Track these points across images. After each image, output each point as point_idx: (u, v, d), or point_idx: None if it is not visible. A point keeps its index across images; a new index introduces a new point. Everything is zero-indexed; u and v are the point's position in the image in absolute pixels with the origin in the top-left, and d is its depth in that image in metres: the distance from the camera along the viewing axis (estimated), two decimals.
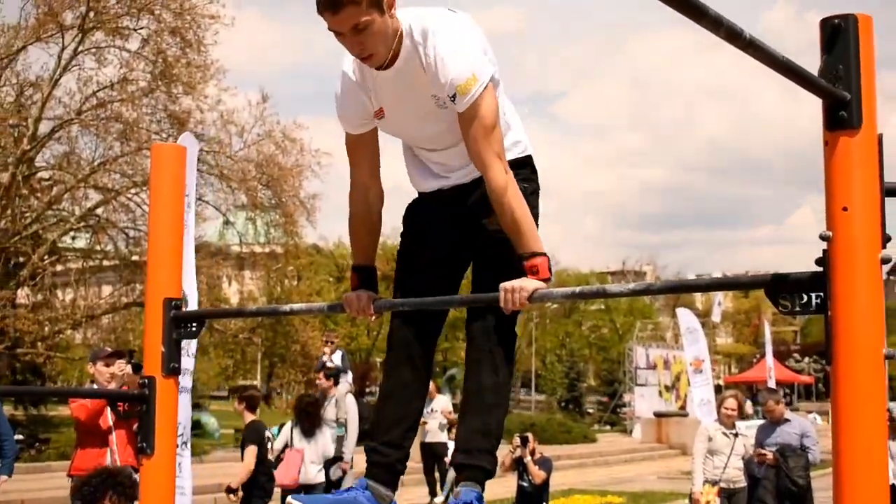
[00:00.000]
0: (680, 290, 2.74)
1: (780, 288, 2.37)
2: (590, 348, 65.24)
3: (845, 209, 2.21)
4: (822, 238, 2.24)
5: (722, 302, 49.00)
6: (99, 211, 25.95)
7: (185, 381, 6.58)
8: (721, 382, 46.98)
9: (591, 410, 51.11)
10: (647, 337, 43.74)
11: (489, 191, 3.08)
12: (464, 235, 3.39)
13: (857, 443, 2.14)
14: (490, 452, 3.31)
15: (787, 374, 47.78)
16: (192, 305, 6.54)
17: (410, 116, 3.28)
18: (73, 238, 27.67)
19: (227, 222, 27.55)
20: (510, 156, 3.24)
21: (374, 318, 3.38)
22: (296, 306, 3.81)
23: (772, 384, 33.71)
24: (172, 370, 3.32)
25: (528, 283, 2.97)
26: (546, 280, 3.03)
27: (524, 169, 3.38)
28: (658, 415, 33.28)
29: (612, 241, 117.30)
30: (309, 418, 10.94)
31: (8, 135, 23.81)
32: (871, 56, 2.29)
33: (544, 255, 3.09)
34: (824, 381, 53.25)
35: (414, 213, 3.58)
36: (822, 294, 2.26)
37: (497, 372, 3.31)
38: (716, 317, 47.40)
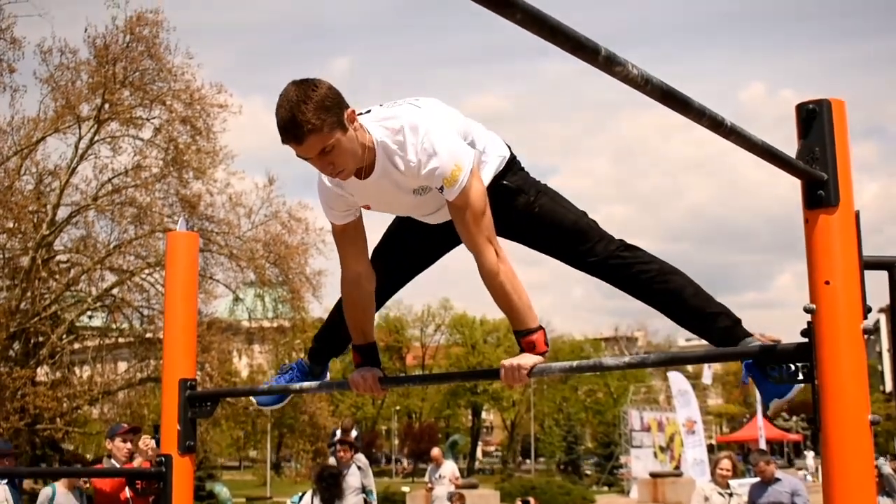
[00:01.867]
0: (673, 362, 2.94)
1: (769, 359, 2.44)
2: (586, 412, 65.82)
3: (827, 283, 2.24)
4: (807, 311, 2.27)
5: (712, 365, 49.78)
6: (114, 291, 26.80)
7: None
8: (713, 442, 47.69)
9: (588, 472, 51.63)
10: (640, 400, 44.53)
11: (482, 275, 3.07)
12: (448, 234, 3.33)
13: (849, 503, 2.19)
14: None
15: (776, 432, 48.52)
16: None
17: (397, 206, 3.31)
18: (90, 317, 28.48)
19: (236, 299, 28.48)
20: (496, 167, 3.31)
21: (381, 395, 3.40)
22: (305, 385, 3.71)
23: (762, 443, 34.67)
24: (188, 448, 3.39)
25: (527, 360, 3.00)
26: (543, 353, 3.05)
27: (513, 174, 3.38)
28: (654, 475, 33.83)
29: (601, 308, 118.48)
30: (329, 489, 10.91)
31: (28, 221, 24.80)
32: (844, 138, 2.34)
33: (540, 328, 3.10)
34: (812, 438, 54.04)
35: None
36: (808, 364, 2.30)
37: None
38: (706, 379, 48.03)
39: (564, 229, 3.27)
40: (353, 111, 2.96)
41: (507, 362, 3.05)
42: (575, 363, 3.04)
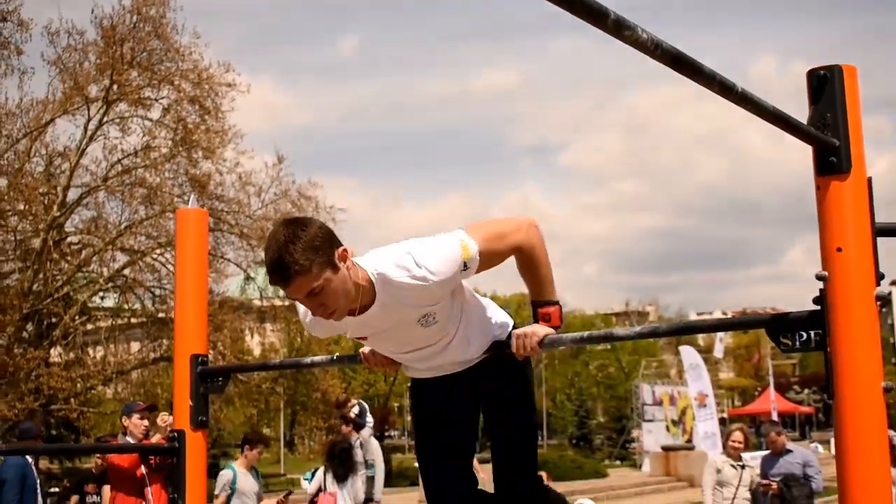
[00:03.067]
0: (684, 331, 2.84)
1: (781, 326, 2.42)
2: (597, 387, 65.82)
3: (839, 250, 2.24)
4: (819, 278, 2.28)
5: (723, 338, 49.75)
6: (126, 271, 26.95)
7: None
8: (725, 415, 47.76)
9: (600, 447, 51.79)
10: (652, 374, 44.57)
11: (518, 256, 3.07)
12: (471, 391, 3.34)
13: (861, 472, 2.19)
14: None
15: (787, 405, 48.58)
16: None
17: (397, 339, 3.20)
18: (102, 298, 28.61)
19: (248, 278, 28.55)
20: (502, 335, 3.29)
21: (393, 371, 3.40)
22: (317, 359, 3.74)
23: (774, 416, 34.72)
24: (200, 423, 3.42)
25: (539, 329, 3.04)
26: (556, 327, 3.09)
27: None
28: (666, 449, 33.99)
29: (612, 283, 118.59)
30: (343, 464, 10.95)
31: (39, 203, 24.89)
32: (856, 104, 2.33)
33: (557, 304, 3.16)
34: (824, 411, 54.11)
35: (418, 390, 3.52)
36: (820, 331, 2.30)
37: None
38: (718, 353, 48.10)
39: (512, 424, 3.30)
40: (345, 250, 2.89)
41: (519, 331, 3.08)
42: (586, 334, 3.13)
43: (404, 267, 2.90)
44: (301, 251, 2.77)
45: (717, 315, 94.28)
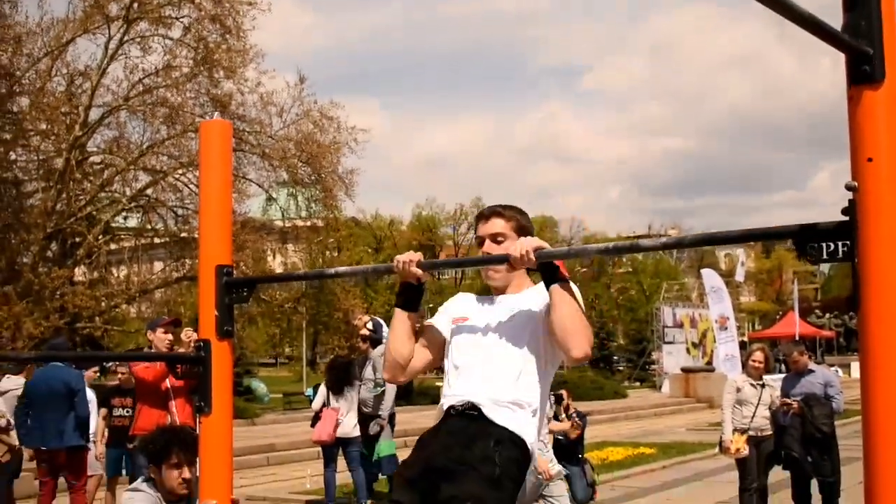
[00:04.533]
0: (712, 242, 2.85)
1: (808, 237, 2.41)
2: (618, 309, 66.05)
3: (870, 160, 2.21)
4: (849, 188, 2.25)
5: (745, 262, 49.73)
6: (149, 192, 27.10)
7: None
8: (745, 339, 47.85)
9: (621, 368, 52.14)
10: (673, 297, 44.65)
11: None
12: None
13: (887, 384, 2.17)
14: None
15: (809, 329, 48.61)
16: None
17: (488, 326, 3.40)
18: (126, 218, 28.84)
19: (269, 199, 28.63)
20: (520, 446, 3.21)
21: (419, 274, 3.34)
22: (341, 269, 3.75)
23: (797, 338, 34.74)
24: (226, 333, 3.40)
25: (538, 241, 3.13)
26: (563, 278, 3.16)
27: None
28: (685, 370, 34.21)
29: (635, 207, 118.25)
30: (338, 378, 11.27)
31: (61, 122, 24.92)
32: (892, 11, 2.26)
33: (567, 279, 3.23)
34: (845, 335, 54.07)
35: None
36: (848, 242, 2.27)
37: None
38: (739, 277, 48.13)
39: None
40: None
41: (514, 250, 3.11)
42: (612, 245, 3.01)
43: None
44: (512, 208, 3.49)
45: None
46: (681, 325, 38.60)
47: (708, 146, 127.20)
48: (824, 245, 2.39)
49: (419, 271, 3.30)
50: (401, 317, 3.46)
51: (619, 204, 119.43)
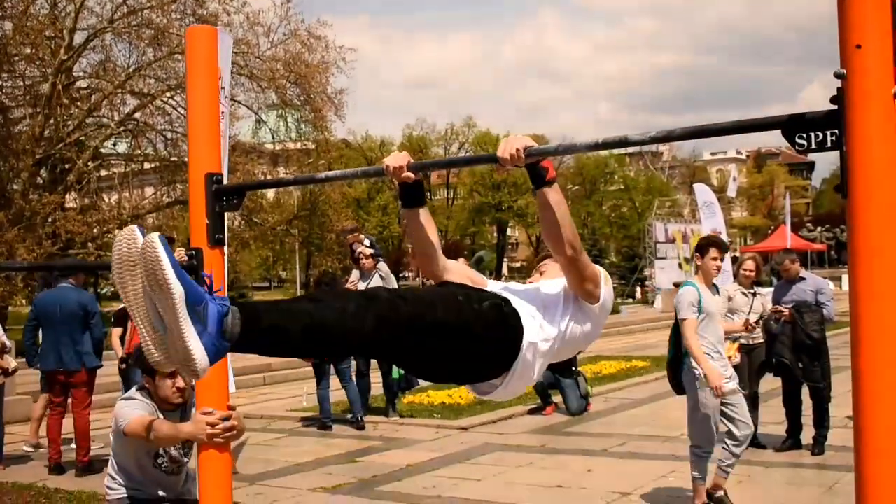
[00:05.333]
0: (702, 134, 2.74)
1: (797, 127, 2.38)
2: (611, 227, 66.27)
3: (858, 47, 2.17)
4: (837, 76, 2.22)
5: (737, 177, 49.69)
6: (137, 115, 26.82)
7: None
8: (737, 253, 48.01)
9: (614, 285, 52.46)
10: (665, 214, 44.72)
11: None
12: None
13: (874, 272, 2.15)
14: None
15: (801, 242, 48.78)
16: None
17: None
18: (115, 144, 28.63)
19: (259, 121, 28.45)
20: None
21: (411, 177, 3.22)
22: (331, 173, 3.66)
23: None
24: (217, 241, 3.42)
25: (527, 139, 2.97)
26: (551, 178, 3.02)
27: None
28: (678, 285, 34.38)
29: (626, 123, 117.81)
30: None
31: (45, 47, 24.54)
32: None
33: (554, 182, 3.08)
34: (836, 248, 54.34)
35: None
36: (837, 131, 2.25)
37: None
38: (731, 192, 48.10)
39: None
40: None
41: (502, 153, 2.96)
42: (601, 139, 2.91)
43: None
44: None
45: (732, 154, 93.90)
46: (673, 241, 38.72)
47: (699, 61, 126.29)
48: (813, 135, 2.36)
49: (412, 175, 3.23)
50: (411, 215, 3.35)
51: (609, 120, 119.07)
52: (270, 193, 31.64)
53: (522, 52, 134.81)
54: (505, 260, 74.36)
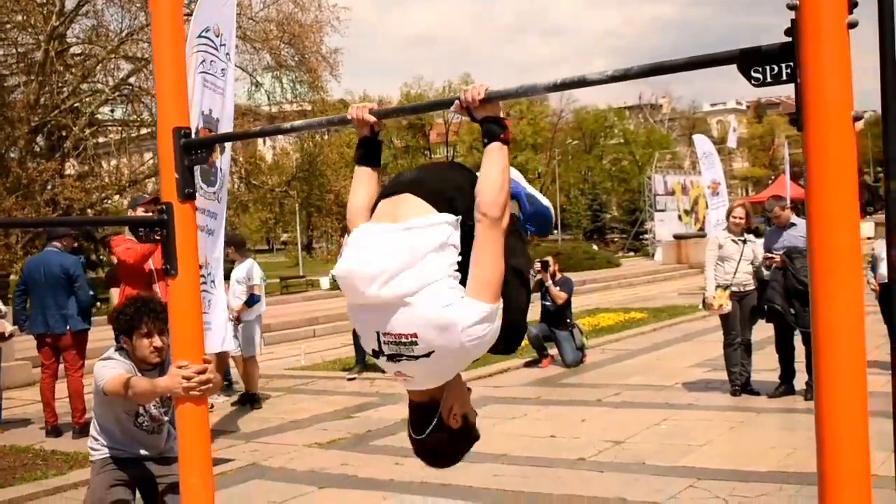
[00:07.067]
0: (659, 71, 2.65)
1: (752, 61, 2.35)
2: (611, 181, 66.14)
3: None
4: (790, 7, 2.22)
5: (737, 128, 49.49)
6: (132, 80, 26.79)
7: (204, 220, 6.69)
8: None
9: (615, 239, 52.45)
10: (665, 166, 44.62)
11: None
12: None
13: (830, 201, 2.17)
14: None
15: (801, 192, 48.41)
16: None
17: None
18: (112, 110, 28.58)
19: (255, 83, 28.35)
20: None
21: (375, 124, 3.11)
22: (296, 123, 3.52)
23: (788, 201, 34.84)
24: (188, 195, 3.40)
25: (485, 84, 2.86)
26: (506, 139, 2.85)
27: None
28: (677, 237, 34.38)
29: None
30: None
31: (37, 13, 24.47)
32: None
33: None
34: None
35: None
36: (791, 63, 2.23)
37: None
38: (731, 143, 47.89)
39: None
40: None
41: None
42: (559, 80, 2.84)
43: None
44: None
45: (732, 105, 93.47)
46: (672, 193, 38.66)
47: (695, 12, 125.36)
48: (768, 68, 2.32)
49: (372, 118, 3.12)
50: (359, 172, 3.21)
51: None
52: (268, 154, 31.63)
53: (521, 6, 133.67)
54: None
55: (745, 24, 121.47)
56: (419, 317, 2.45)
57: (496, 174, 2.77)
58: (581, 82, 2.90)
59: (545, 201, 3.43)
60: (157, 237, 3.53)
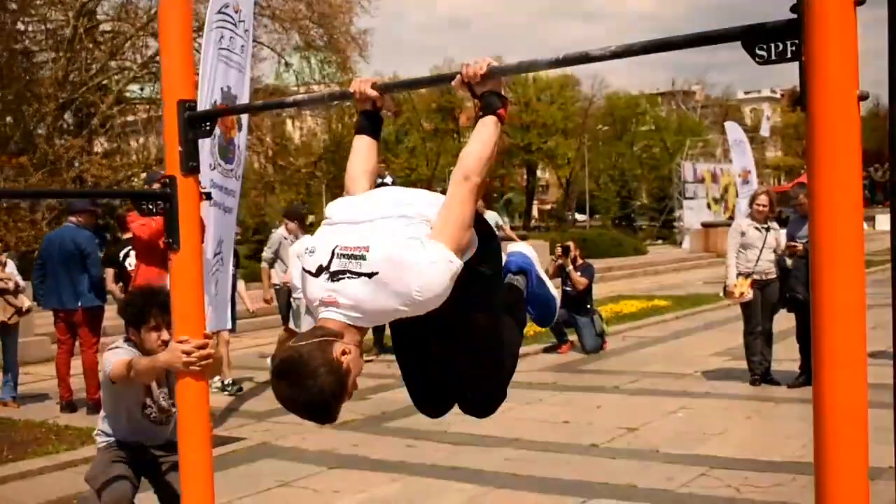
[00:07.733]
0: (661, 48, 2.61)
1: (757, 38, 2.32)
2: (641, 167, 65.72)
3: None
4: None
5: (770, 117, 49.14)
6: (159, 59, 26.83)
7: (222, 197, 6.92)
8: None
9: (643, 227, 52.16)
10: (697, 154, 44.29)
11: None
12: None
13: (832, 181, 2.13)
14: None
15: None
16: None
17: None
18: (142, 88, 28.68)
19: (285, 64, 28.32)
20: None
21: (378, 98, 3.10)
22: (299, 97, 3.70)
23: None
24: (191, 169, 3.38)
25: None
26: (502, 117, 2.84)
27: None
28: (706, 225, 34.13)
29: (659, 63, 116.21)
30: None
31: None
32: None
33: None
34: (870, 188, 53.64)
35: None
36: (797, 41, 2.19)
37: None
38: (764, 131, 47.58)
39: None
40: None
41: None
42: (561, 56, 2.82)
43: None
44: None
45: (766, 94, 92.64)
46: (702, 181, 38.37)
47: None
48: (773, 46, 2.28)
49: (373, 92, 3.10)
50: (359, 139, 3.20)
51: (641, 60, 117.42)
52: (296, 134, 31.62)
53: None
54: (535, 202, 74.11)
55: (782, 15, 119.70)
56: (379, 235, 2.51)
57: (483, 145, 2.75)
58: (584, 58, 2.85)
59: (553, 290, 3.49)
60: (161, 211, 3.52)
